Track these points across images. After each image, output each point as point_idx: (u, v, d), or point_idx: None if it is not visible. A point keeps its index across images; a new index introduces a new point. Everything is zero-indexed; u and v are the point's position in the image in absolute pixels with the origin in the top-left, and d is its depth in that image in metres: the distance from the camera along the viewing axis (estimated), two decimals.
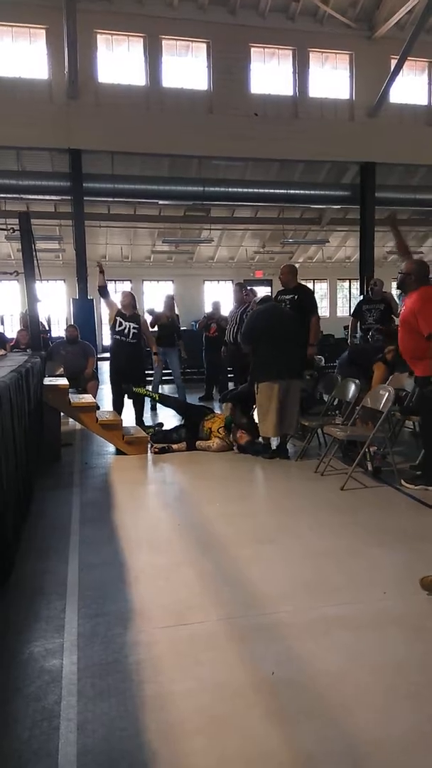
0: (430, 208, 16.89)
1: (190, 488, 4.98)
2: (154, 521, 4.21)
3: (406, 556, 3.38)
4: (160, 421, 7.41)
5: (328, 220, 19.29)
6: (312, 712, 2.06)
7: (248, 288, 8.94)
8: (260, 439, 5.85)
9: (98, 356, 10.84)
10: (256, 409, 5.90)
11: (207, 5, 13.09)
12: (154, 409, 8.57)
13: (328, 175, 15.64)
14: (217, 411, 6.97)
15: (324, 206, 16.89)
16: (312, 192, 14.87)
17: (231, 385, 8.92)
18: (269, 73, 14.10)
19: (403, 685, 2.20)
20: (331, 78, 14.46)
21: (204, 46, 13.64)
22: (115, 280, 21.07)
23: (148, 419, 7.57)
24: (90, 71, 12.79)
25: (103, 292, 7.03)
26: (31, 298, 6.77)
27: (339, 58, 14.47)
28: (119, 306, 6.95)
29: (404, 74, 14.08)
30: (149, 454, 6.02)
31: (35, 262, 6.48)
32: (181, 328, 9.72)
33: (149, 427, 6.84)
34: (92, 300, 13.24)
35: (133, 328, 6.86)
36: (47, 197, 14.00)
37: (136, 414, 7.11)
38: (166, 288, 21.42)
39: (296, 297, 6.34)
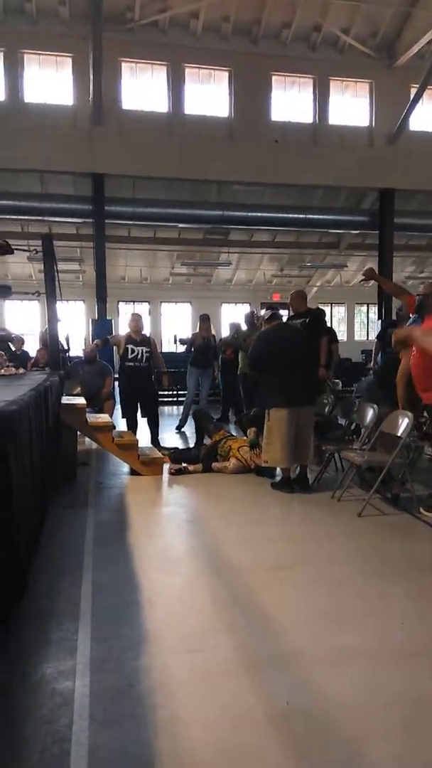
0: None
1: (205, 511, 4.95)
2: (169, 543, 4.18)
3: (425, 586, 3.31)
4: (177, 445, 7.43)
5: (347, 245, 19.36)
6: (327, 744, 2.00)
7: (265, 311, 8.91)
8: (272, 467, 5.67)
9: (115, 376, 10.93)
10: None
11: (230, 35, 13.39)
12: (180, 428, 8.62)
13: (347, 201, 15.76)
14: (234, 433, 6.96)
15: (342, 231, 16.96)
16: (330, 217, 14.96)
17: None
18: (290, 101, 14.33)
19: (421, 719, 2.14)
20: (351, 106, 14.64)
21: (226, 74, 13.93)
22: (133, 302, 21.33)
23: (163, 440, 7.57)
24: (114, 98, 13.11)
25: (105, 343, 7.52)
26: (52, 318, 6.84)
27: (359, 86, 14.67)
28: (128, 332, 7.07)
29: (424, 103, 14.21)
30: (165, 475, 6.01)
31: (56, 282, 6.57)
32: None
33: (165, 448, 6.84)
34: (111, 320, 13.39)
35: (146, 352, 6.93)
36: (69, 220, 14.24)
37: (151, 434, 7.13)
38: (185, 310, 21.57)
39: (307, 320, 6.36)
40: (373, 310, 19.67)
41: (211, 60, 13.67)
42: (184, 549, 4.02)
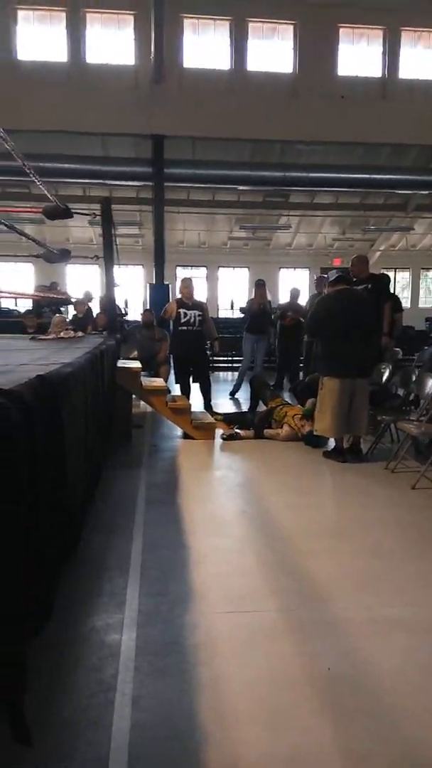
0: None
1: (256, 476, 4.97)
2: (218, 506, 4.24)
3: None
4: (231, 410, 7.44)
5: (414, 206, 18.51)
6: (368, 711, 2.01)
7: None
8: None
9: None
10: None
11: None
12: (233, 394, 8.63)
13: (417, 159, 14.99)
14: (288, 401, 6.91)
15: (410, 192, 16.19)
16: (398, 177, 14.28)
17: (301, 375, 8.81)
18: (358, 55, 13.64)
19: None
20: (424, 57, 13.79)
21: (291, 28, 13.37)
22: (191, 266, 21.27)
23: (217, 405, 7.56)
24: (175, 56, 12.86)
25: (162, 320, 7.51)
26: (109, 283, 6.92)
27: None
28: (179, 297, 7.03)
29: None
30: (217, 439, 6.05)
31: (114, 247, 6.61)
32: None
33: (217, 413, 6.87)
34: (168, 285, 13.40)
35: (198, 315, 6.89)
36: (129, 183, 14.23)
37: (204, 399, 7.15)
38: (242, 275, 21.35)
39: (369, 286, 6.14)
40: None
41: (275, 13, 13.13)
42: (233, 513, 4.06)
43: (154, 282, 13.30)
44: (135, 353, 8.34)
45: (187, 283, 7.19)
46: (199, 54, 13.21)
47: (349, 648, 2.38)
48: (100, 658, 2.29)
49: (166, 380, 8.04)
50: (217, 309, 20.24)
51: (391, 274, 20.46)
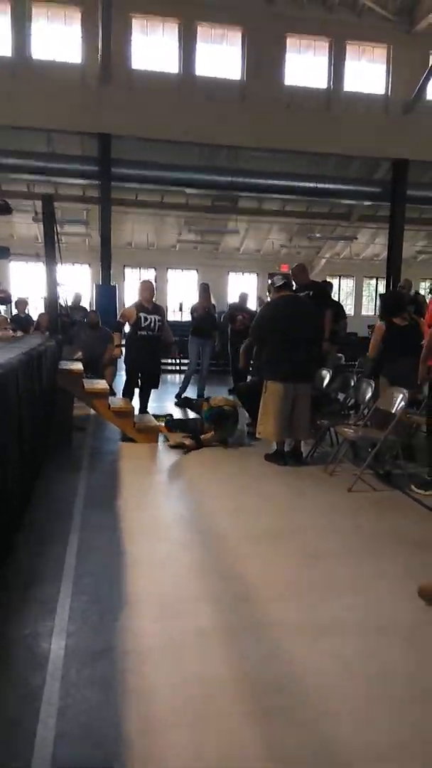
0: None
1: (197, 480, 4.97)
2: (157, 510, 4.21)
3: (407, 563, 3.33)
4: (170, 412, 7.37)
5: (358, 217, 19.02)
6: (293, 714, 2.04)
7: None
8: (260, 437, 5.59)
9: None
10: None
11: None
12: (179, 397, 8.58)
13: (360, 171, 15.41)
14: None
15: (354, 202, 16.64)
16: (342, 187, 14.64)
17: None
18: (304, 65, 13.90)
19: (389, 693, 2.17)
20: (367, 72, 14.20)
21: (239, 34, 13.50)
22: (140, 267, 21.13)
23: (154, 408, 7.41)
24: (123, 56, 12.76)
25: (120, 326, 6.99)
26: (51, 282, 6.79)
27: (376, 51, 14.20)
28: (138, 300, 6.74)
29: None
30: (159, 443, 6.02)
31: (57, 245, 6.50)
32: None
33: (160, 416, 6.81)
34: (115, 286, 13.27)
35: (158, 320, 6.71)
36: (75, 181, 14.02)
37: (141, 403, 6.98)
38: (191, 277, 21.38)
39: (310, 293, 6.27)
40: (382, 284, 19.44)
41: (224, 18, 13.23)
42: (172, 517, 4.05)
43: (101, 282, 13.13)
44: (79, 354, 8.21)
45: (147, 285, 6.91)
46: (147, 56, 13.15)
47: (279, 651, 2.41)
48: (28, 668, 2.24)
49: (111, 383, 7.95)
50: (166, 311, 20.16)
51: (335, 281, 21.01)
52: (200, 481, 4.92)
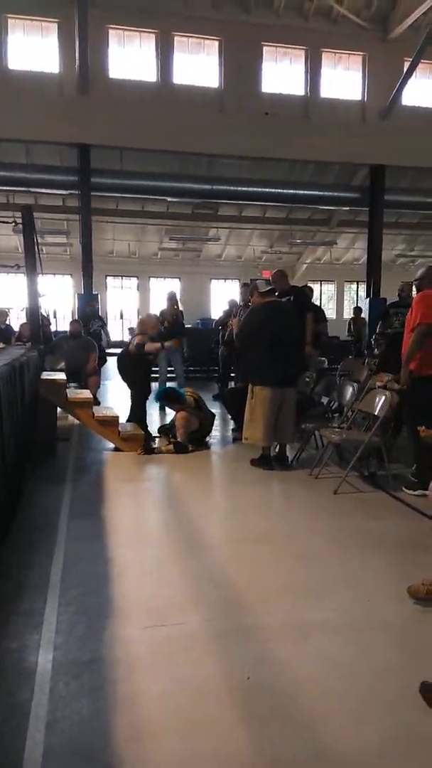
0: None
1: (183, 487, 4.95)
2: (144, 518, 4.20)
3: (393, 563, 3.35)
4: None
5: (337, 222, 19.21)
6: (284, 717, 2.03)
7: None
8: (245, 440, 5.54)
9: (108, 353, 10.86)
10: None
11: (220, 3, 13.04)
12: (163, 409, 8.55)
13: (338, 177, 15.56)
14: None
15: (333, 208, 16.79)
16: (321, 193, 14.74)
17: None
18: (281, 73, 14.04)
19: (379, 693, 2.17)
20: (344, 79, 14.37)
21: (216, 43, 13.60)
22: (122, 276, 21.11)
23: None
24: (101, 66, 12.78)
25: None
26: (32, 292, 6.75)
27: (352, 59, 14.39)
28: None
29: (417, 77, 13.98)
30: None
31: (37, 255, 6.47)
32: (186, 326, 9.68)
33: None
34: (96, 295, 13.23)
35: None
36: (55, 191, 13.98)
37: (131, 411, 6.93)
38: (173, 285, 21.41)
39: (291, 298, 6.32)
40: (363, 288, 19.63)
41: (201, 29, 13.32)
42: (158, 524, 4.03)
43: (83, 292, 13.08)
44: (62, 364, 8.16)
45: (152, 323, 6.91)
46: (125, 65, 13.19)
47: (269, 655, 2.40)
48: (14, 682, 2.20)
49: (94, 392, 7.91)
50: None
51: (316, 286, 21.17)
52: (186, 488, 4.90)
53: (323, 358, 8.19)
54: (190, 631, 2.56)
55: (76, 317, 11.36)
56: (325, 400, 6.21)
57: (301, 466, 5.40)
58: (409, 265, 22.32)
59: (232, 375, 9.44)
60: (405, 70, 13.49)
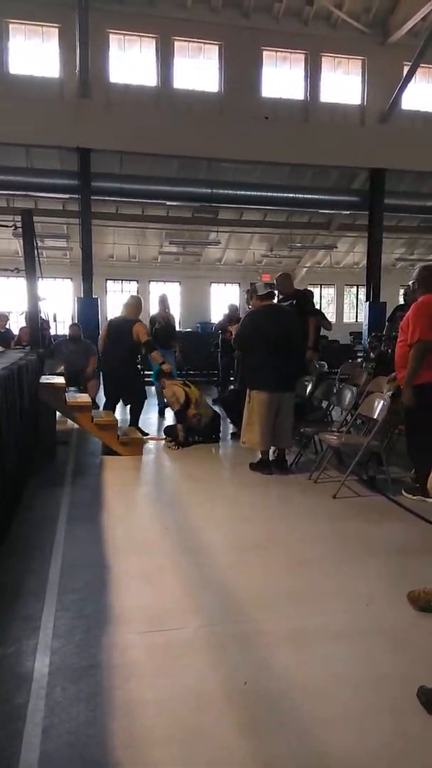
0: None
1: (182, 491, 4.95)
2: (142, 523, 4.19)
3: (393, 568, 3.34)
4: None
5: (337, 226, 19.20)
6: (284, 724, 2.02)
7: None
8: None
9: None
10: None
11: (220, 7, 13.08)
12: (162, 414, 8.56)
13: (338, 181, 15.59)
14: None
15: (333, 211, 16.81)
16: (321, 197, 14.76)
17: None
18: (281, 77, 14.07)
19: (380, 699, 2.16)
20: (343, 83, 14.40)
21: (216, 48, 13.63)
22: (122, 280, 21.10)
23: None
24: (101, 71, 12.81)
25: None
26: (32, 296, 6.76)
27: (351, 63, 14.41)
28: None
29: (417, 81, 14.00)
30: (144, 455, 5.99)
31: (37, 259, 6.47)
32: (186, 330, 9.69)
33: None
34: (96, 299, 13.24)
35: None
36: (55, 195, 14.00)
37: (131, 416, 6.96)
38: (173, 289, 21.41)
39: (294, 302, 6.31)
40: (363, 292, 19.64)
41: (201, 33, 13.35)
42: (157, 529, 4.01)
43: (82, 296, 13.09)
44: (61, 368, 8.16)
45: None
46: (125, 70, 13.22)
47: (267, 661, 2.39)
48: (11, 687, 2.19)
49: (94, 396, 7.91)
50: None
51: (316, 290, 21.16)
52: (185, 493, 4.90)
53: (323, 362, 8.19)
54: (189, 637, 2.56)
55: (76, 321, 11.37)
56: (324, 404, 6.20)
57: (301, 471, 5.39)
58: (409, 269, 22.26)
59: (232, 379, 9.45)
60: (404, 74, 13.51)
